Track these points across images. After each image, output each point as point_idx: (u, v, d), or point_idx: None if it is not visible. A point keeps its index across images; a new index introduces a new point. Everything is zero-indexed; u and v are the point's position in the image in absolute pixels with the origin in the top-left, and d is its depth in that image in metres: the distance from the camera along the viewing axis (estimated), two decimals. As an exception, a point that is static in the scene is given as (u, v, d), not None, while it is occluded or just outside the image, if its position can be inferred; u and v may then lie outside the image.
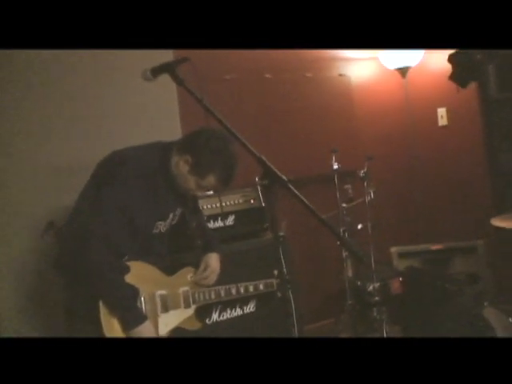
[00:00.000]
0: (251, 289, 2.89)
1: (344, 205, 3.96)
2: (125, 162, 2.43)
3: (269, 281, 2.91)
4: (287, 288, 2.89)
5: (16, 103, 3.07)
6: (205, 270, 2.72)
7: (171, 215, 2.63)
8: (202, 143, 2.42)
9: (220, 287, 2.77)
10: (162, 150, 2.52)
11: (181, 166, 2.46)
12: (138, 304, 2.43)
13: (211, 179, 2.45)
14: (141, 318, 2.37)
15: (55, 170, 3.14)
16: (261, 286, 2.91)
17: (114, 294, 2.35)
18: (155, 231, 2.56)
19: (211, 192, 3.17)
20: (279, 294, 2.83)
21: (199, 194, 2.60)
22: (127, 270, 2.41)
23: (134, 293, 2.41)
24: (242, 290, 2.85)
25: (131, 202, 2.38)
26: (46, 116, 3.16)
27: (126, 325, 2.34)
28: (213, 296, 2.74)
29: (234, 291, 2.81)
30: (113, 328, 2.33)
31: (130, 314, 2.36)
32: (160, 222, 2.56)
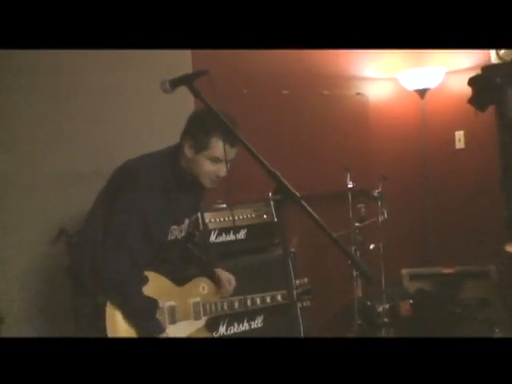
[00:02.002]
0: (268, 299, 2.84)
1: (356, 224, 3.94)
2: (138, 170, 2.45)
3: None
4: (297, 300, 2.87)
5: (29, 108, 3.08)
6: (228, 283, 2.72)
7: (187, 221, 2.63)
8: (192, 121, 2.48)
9: (234, 298, 2.74)
10: (172, 154, 2.53)
11: (187, 152, 2.47)
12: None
13: (217, 142, 2.41)
14: (159, 329, 2.37)
15: (68, 177, 3.15)
16: (279, 297, 2.86)
17: (133, 305, 2.35)
18: (171, 237, 2.55)
19: (224, 205, 3.20)
20: (300, 305, 2.85)
21: (220, 174, 2.49)
22: (146, 280, 2.41)
23: (152, 304, 2.40)
24: (257, 301, 2.81)
25: (145, 209, 2.38)
26: (60, 122, 3.17)
27: (145, 335, 2.35)
28: (225, 307, 2.71)
29: (249, 302, 2.77)
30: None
31: (148, 325, 2.37)
32: (174, 227, 2.55)
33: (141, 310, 2.36)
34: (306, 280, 3.00)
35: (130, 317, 2.34)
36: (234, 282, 2.75)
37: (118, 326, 2.33)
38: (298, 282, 2.96)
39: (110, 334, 2.31)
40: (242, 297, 2.75)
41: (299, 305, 2.93)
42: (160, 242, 2.50)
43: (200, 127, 2.44)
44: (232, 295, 2.74)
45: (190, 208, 2.65)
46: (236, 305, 2.73)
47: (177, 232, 2.58)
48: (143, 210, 2.37)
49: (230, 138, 2.35)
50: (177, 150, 2.53)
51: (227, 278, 2.74)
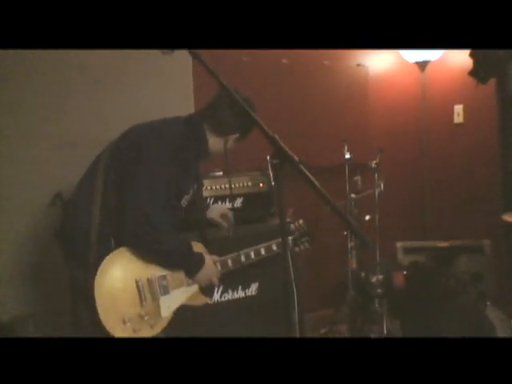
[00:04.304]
0: (263, 252, 2.78)
1: (353, 195, 3.94)
2: (152, 137, 2.45)
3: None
4: (294, 245, 2.88)
5: (27, 75, 3.07)
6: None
7: (191, 190, 2.63)
8: (239, 119, 2.52)
9: (227, 257, 2.69)
10: (190, 125, 2.55)
11: (231, 144, 2.60)
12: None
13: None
14: (201, 261, 2.53)
15: (62, 144, 3.14)
16: (274, 247, 2.80)
17: (171, 253, 2.44)
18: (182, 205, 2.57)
19: (221, 173, 3.19)
20: (297, 249, 2.90)
21: None
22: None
23: (186, 242, 2.50)
24: (252, 255, 2.75)
25: (164, 175, 2.39)
26: (55, 90, 3.16)
27: (190, 272, 2.51)
28: (219, 267, 2.66)
29: (243, 258, 2.71)
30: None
31: (191, 261, 2.51)
32: (186, 196, 2.57)
33: (176, 249, 2.44)
34: (301, 222, 2.93)
35: (170, 263, 2.44)
36: (229, 216, 2.92)
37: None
38: (292, 226, 2.90)
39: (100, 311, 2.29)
40: (235, 254, 2.70)
41: (297, 249, 2.92)
42: (173, 207, 2.50)
43: (249, 124, 2.47)
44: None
45: (195, 177, 2.65)
46: (229, 263, 2.69)
47: (184, 200, 2.57)
48: (162, 173, 2.39)
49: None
50: (197, 126, 2.55)
51: (222, 214, 2.93)
